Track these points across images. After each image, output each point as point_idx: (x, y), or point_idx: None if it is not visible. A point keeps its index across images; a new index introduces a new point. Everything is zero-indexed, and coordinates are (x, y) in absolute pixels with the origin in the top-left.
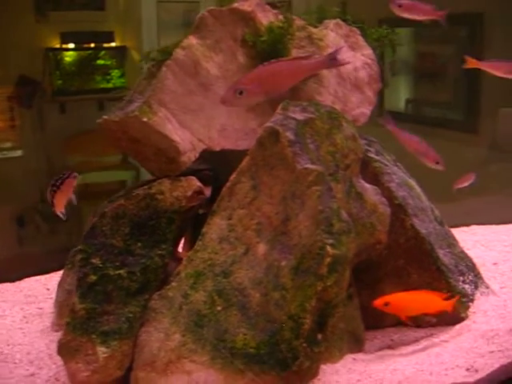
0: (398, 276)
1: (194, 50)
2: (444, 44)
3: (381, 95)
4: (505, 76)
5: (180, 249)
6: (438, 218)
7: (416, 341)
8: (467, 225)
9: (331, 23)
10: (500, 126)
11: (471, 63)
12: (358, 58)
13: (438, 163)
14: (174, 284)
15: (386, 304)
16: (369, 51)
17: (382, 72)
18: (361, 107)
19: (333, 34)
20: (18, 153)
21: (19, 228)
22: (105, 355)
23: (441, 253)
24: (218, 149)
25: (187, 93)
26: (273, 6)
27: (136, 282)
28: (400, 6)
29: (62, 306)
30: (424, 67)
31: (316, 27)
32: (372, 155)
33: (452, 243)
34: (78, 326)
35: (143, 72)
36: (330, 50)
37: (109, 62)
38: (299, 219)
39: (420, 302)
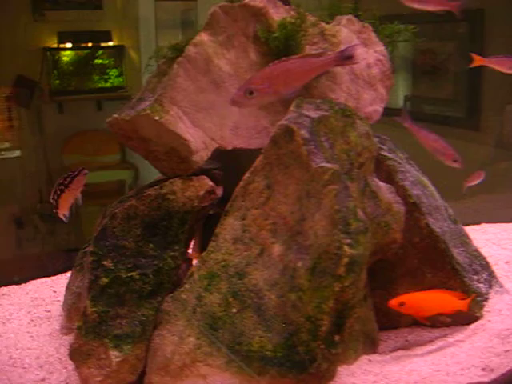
0: (412, 276)
1: (206, 46)
2: (444, 40)
3: None
4: (509, 72)
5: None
6: (452, 217)
7: (431, 341)
8: (476, 223)
9: (344, 19)
10: (507, 123)
11: (478, 61)
12: (371, 55)
13: (455, 161)
14: (187, 286)
15: (402, 304)
16: (381, 47)
17: None
18: (373, 104)
19: (346, 30)
20: (16, 153)
21: (17, 229)
22: (118, 359)
23: (455, 252)
24: (230, 148)
25: (199, 90)
26: (284, 1)
27: (149, 285)
28: None
29: (70, 308)
30: (423, 64)
31: (328, 23)
32: (385, 153)
33: (466, 242)
34: (90, 329)
35: (143, 71)
36: (342, 47)
37: (106, 62)
38: (315, 219)
39: (436, 301)
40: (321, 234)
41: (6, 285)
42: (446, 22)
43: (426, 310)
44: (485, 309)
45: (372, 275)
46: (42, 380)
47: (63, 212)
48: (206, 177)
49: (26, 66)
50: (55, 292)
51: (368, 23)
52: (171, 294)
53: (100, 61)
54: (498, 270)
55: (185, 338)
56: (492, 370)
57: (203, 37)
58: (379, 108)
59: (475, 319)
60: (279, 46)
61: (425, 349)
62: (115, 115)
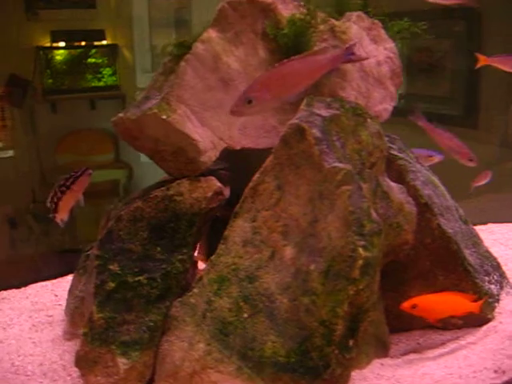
0: (424, 278)
1: (214, 43)
2: (440, 38)
3: None
4: None
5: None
6: (463, 217)
7: (443, 344)
8: (483, 223)
9: (353, 15)
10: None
11: (482, 60)
12: (381, 52)
13: (471, 160)
14: (195, 290)
15: (414, 306)
16: (391, 45)
17: None
18: (383, 103)
19: (355, 27)
20: (9, 153)
21: (11, 229)
22: (126, 367)
23: (467, 253)
24: (238, 147)
25: (207, 89)
26: None
27: (157, 289)
28: None
29: (73, 313)
30: (420, 61)
31: (337, 20)
32: (395, 152)
33: (477, 242)
34: (97, 336)
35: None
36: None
37: (100, 61)
38: (328, 220)
39: (448, 303)
40: (334, 236)
41: (5, 289)
42: (443, 20)
43: (438, 313)
44: (496, 310)
45: (383, 277)
46: None
47: (62, 216)
48: (213, 178)
49: (19, 65)
50: (56, 296)
51: (377, 20)
52: (180, 299)
53: (93, 60)
54: (507, 270)
55: (194, 344)
56: (504, 372)
57: (211, 33)
58: (389, 106)
59: (487, 321)
60: (288, 42)
61: (437, 352)
62: (120, 114)
